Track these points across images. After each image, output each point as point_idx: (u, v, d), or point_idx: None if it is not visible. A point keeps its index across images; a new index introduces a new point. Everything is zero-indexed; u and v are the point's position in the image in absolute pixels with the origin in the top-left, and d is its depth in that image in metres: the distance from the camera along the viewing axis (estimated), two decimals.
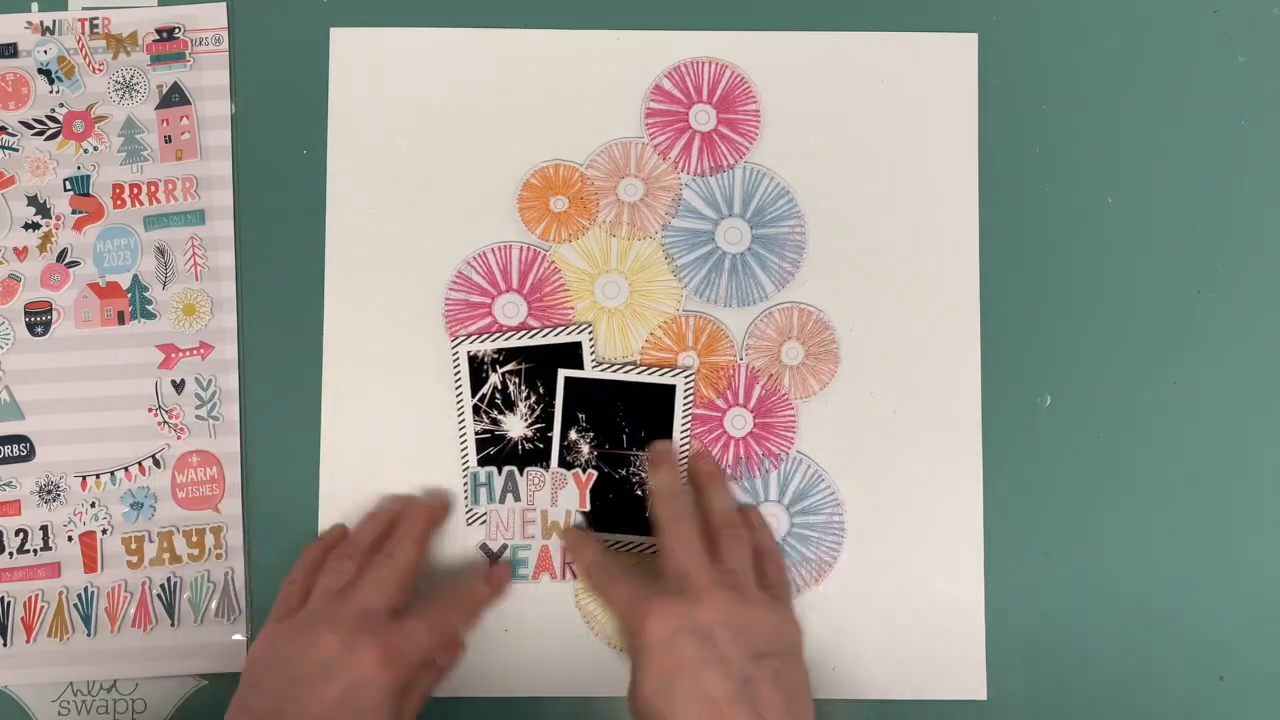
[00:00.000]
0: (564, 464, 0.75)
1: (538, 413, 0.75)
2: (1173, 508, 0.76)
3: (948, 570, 0.75)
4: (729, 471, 0.76)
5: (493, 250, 0.77)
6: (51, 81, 0.78)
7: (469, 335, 0.76)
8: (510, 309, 0.76)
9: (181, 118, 0.78)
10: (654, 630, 0.65)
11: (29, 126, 0.77)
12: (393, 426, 0.76)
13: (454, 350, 0.76)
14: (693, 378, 0.75)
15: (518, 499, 0.75)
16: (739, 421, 0.76)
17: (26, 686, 0.75)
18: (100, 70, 0.78)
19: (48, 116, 0.78)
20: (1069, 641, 0.75)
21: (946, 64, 0.78)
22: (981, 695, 0.75)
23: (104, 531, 0.75)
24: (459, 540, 0.76)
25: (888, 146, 0.78)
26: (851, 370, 0.76)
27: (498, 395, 0.75)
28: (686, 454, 0.76)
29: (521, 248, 0.77)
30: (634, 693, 0.66)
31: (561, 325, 0.76)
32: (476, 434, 0.75)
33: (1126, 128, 0.78)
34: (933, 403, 0.76)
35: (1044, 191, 0.78)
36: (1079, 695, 0.75)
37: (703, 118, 0.78)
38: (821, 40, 0.78)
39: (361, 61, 0.78)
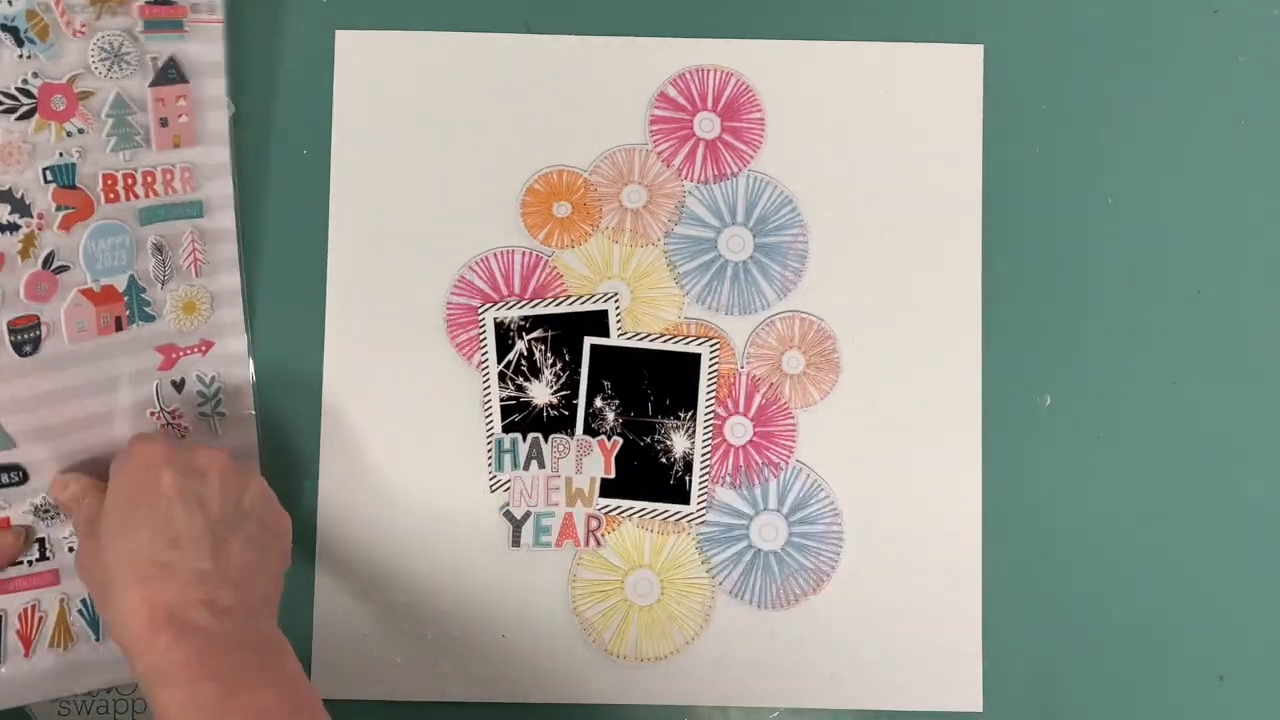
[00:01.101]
0: (589, 431, 0.75)
1: (563, 380, 0.76)
2: (1172, 508, 0.77)
3: (945, 579, 0.76)
4: (729, 479, 0.76)
5: (495, 255, 0.77)
6: (20, 44, 0.64)
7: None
8: None
9: (178, 98, 0.69)
10: (132, 463, 0.64)
11: None
12: (392, 430, 0.76)
13: (480, 316, 0.76)
14: (718, 345, 0.76)
15: (542, 465, 0.75)
16: (739, 430, 0.76)
17: None
18: (82, 33, 0.65)
19: (18, 89, 0.64)
20: (1068, 643, 0.76)
21: (951, 75, 0.78)
22: (977, 707, 0.75)
23: None
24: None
25: (892, 157, 0.77)
26: (852, 380, 0.76)
27: (523, 362, 0.76)
28: (711, 423, 0.76)
29: (524, 253, 0.77)
30: (93, 541, 0.64)
31: (587, 294, 0.76)
32: (502, 400, 0.76)
33: (1127, 128, 0.78)
34: (933, 412, 0.76)
35: (1045, 191, 0.78)
36: (1078, 696, 0.76)
37: (707, 125, 0.77)
38: (827, 50, 0.78)
39: (366, 64, 0.77)
